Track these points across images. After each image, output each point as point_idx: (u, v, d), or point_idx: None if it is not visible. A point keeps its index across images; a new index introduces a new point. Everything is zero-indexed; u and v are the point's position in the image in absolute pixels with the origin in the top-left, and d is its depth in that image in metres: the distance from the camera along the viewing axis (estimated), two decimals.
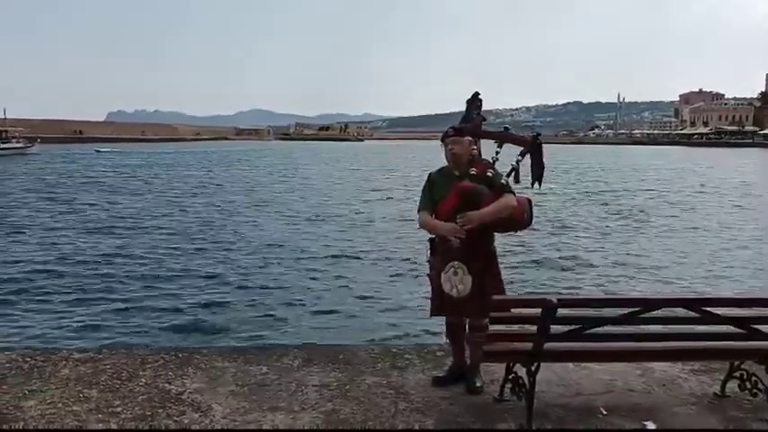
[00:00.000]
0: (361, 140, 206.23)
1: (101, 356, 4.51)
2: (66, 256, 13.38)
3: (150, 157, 66.73)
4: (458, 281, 3.79)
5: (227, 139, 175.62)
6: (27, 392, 3.86)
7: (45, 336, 8.17)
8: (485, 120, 4.32)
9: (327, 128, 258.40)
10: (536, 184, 4.11)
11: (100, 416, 3.56)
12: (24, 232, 16.71)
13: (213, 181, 36.65)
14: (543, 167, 4.12)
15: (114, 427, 3.46)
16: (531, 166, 4.12)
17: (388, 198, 26.88)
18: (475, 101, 4.30)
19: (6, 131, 69.88)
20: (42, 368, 4.26)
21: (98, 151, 77.26)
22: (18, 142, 68.74)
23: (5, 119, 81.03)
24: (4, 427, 3.42)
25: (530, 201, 3.99)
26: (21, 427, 3.43)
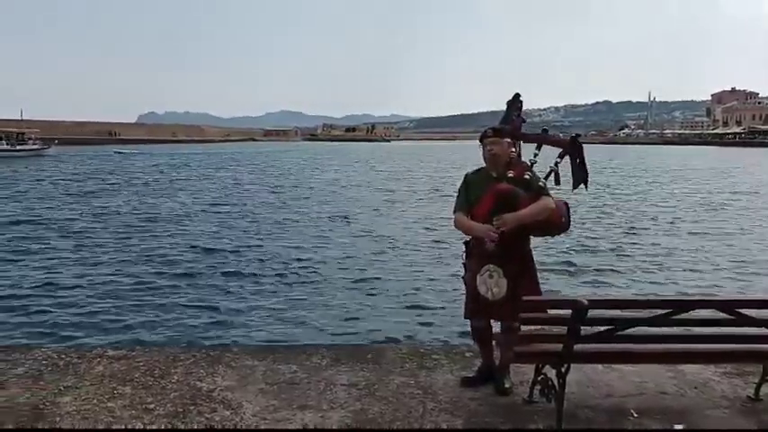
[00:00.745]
0: (388, 141, 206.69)
1: (134, 354, 4.60)
2: (97, 256, 13.61)
3: (176, 158, 67.57)
4: (493, 284, 3.77)
5: (254, 140, 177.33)
6: (62, 389, 3.95)
7: (79, 333, 8.33)
8: (525, 121, 4.28)
9: (354, 129, 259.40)
10: (578, 187, 4.07)
11: (133, 412, 3.63)
12: (54, 232, 17.04)
13: (240, 182, 36.97)
14: (587, 171, 4.08)
15: (147, 422, 3.52)
16: (572, 169, 4.08)
17: (419, 199, 26.86)
18: (515, 102, 4.26)
19: (23, 133, 69.26)
20: (77, 365, 4.35)
21: (117, 153, 76.55)
22: (34, 144, 68.33)
23: (22, 120, 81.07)
24: (40, 424, 3.50)
25: (567, 204, 3.96)
26: (57, 422, 3.51)
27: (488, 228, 3.75)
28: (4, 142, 64.25)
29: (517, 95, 4.31)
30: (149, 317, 9.12)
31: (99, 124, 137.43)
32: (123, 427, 3.47)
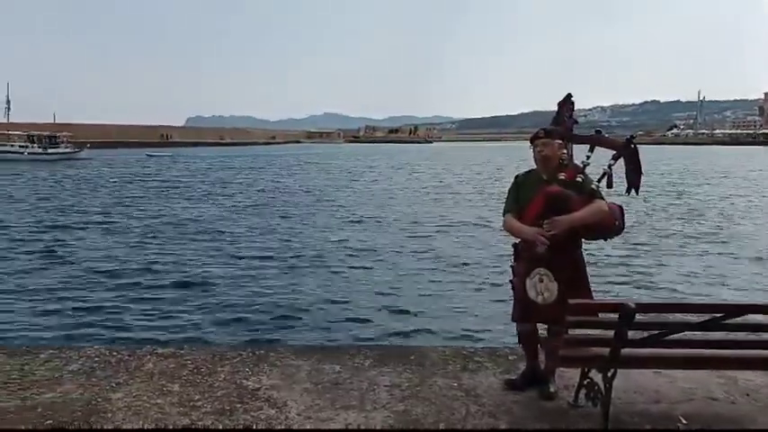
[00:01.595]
0: (430, 142, 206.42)
1: (182, 352, 4.69)
2: (143, 257, 13.96)
3: (221, 161, 68.56)
4: (543, 288, 3.71)
5: (298, 142, 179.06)
6: (114, 385, 4.06)
7: (130, 332, 8.56)
8: (577, 123, 4.20)
9: (397, 130, 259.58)
10: (632, 192, 3.97)
11: (181, 409, 3.71)
12: (100, 234, 17.53)
13: (285, 184, 37.41)
14: (641, 174, 3.98)
15: (195, 419, 3.60)
16: (627, 172, 3.99)
17: (467, 201, 26.80)
18: (567, 103, 4.18)
19: (55, 136, 69.55)
20: (128, 362, 4.47)
21: (150, 155, 75.91)
22: (66, 147, 68.68)
23: (54, 122, 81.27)
24: (93, 419, 3.60)
25: (621, 208, 3.86)
26: (109, 417, 3.62)
27: (538, 231, 3.70)
28: (35, 145, 65.09)
29: (569, 96, 4.22)
30: (196, 316, 9.32)
31: (150, 128, 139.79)
32: (172, 423, 3.55)
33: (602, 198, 3.76)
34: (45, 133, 70.02)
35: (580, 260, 3.87)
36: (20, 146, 64.59)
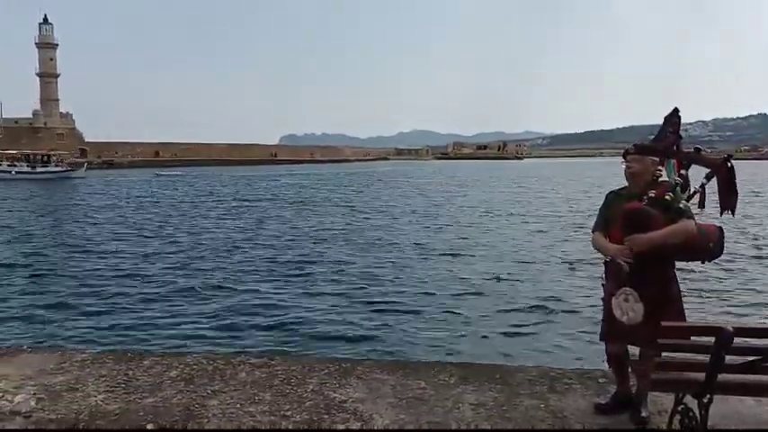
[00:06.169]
0: (520, 159, 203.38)
1: (273, 362, 4.86)
2: (242, 272, 14.51)
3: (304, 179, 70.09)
4: (628, 308, 3.60)
5: (387, 159, 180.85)
6: (210, 392, 4.26)
7: (225, 341, 8.93)
8: (681, 138, 4.04)
9: (485, 147, 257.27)
10: (726, 212, 3.81)
11: (272, 418, 3.85)
12: (204, 249, 18.35)
13: (382, 199, 37.89)
14: (736, 195, 3.80)
15: (284, 428, 3.72)
16: (719, 192, 3.82)
17: (560, 217, 26.33)
18: (673, 118, 4.03)
19: (49, 156, 70.27)
20: (223, 371, 4.67)
21: (158, 174, 74.17)
22: (57, 166, 68.95)
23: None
24: (190, 424, 3.80)
25: (721, 229, 3.68)
26: (205, 423, 3.80)
27: (621, 248, 3.61)
28: (23, 164, 66.45)
29: (675, 110, 4.05)
30: (287, 327, 9.61)
31: (251, 147, 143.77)
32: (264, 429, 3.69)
33: (691, 218, 3.60)
34: (39, 153, 71.07)
35: (670, 281, 3.72)
36: (8, 165, 65.80)
